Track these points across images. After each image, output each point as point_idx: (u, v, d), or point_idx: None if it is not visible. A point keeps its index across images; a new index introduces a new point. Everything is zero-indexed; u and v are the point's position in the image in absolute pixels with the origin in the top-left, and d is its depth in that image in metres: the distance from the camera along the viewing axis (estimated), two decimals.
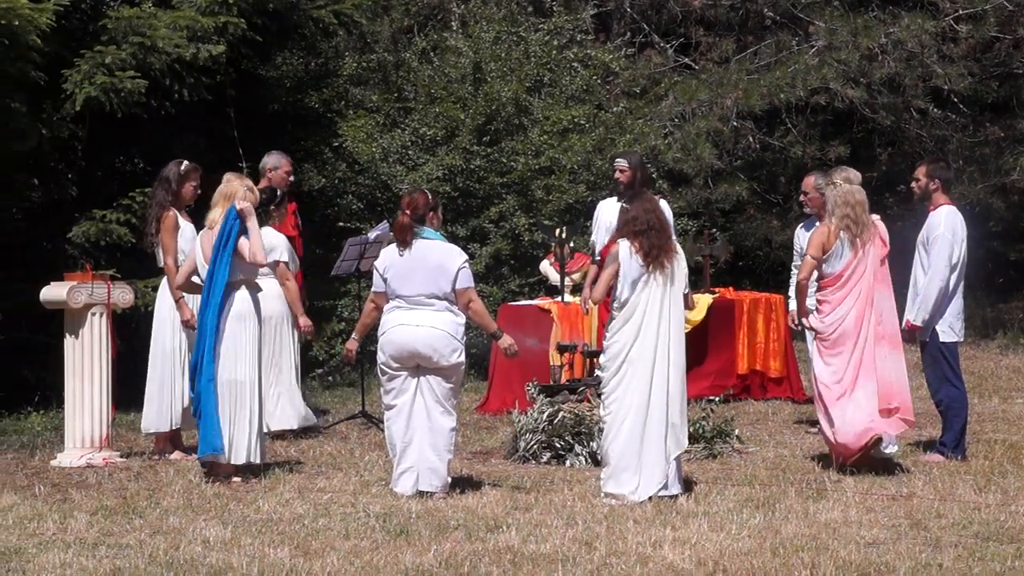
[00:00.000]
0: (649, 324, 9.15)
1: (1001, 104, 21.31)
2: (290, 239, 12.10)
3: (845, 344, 10.15)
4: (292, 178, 12.48)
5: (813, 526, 8.18)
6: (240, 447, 9.81)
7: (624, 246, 9.24)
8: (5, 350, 13.07)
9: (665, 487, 9.10)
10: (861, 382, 10.10)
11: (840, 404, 10.06)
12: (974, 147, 21.01)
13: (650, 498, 8.97)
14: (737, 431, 11.17)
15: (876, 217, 10.36)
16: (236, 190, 10.09)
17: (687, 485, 9.31)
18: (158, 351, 11.03)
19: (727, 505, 8.80)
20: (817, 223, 11.22)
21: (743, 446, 11.03)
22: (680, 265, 9.29)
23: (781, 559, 7.35)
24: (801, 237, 12.01)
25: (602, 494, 9.15)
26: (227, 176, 10.34)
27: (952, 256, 10.50)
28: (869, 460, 9.99)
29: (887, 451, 10.14)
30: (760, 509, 8.66)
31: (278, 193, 11.72)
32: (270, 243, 11.21)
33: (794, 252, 12.34)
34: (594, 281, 12.55)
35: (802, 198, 12.09)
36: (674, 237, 9.52)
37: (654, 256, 9.16)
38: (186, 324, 10.73)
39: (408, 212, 9.34)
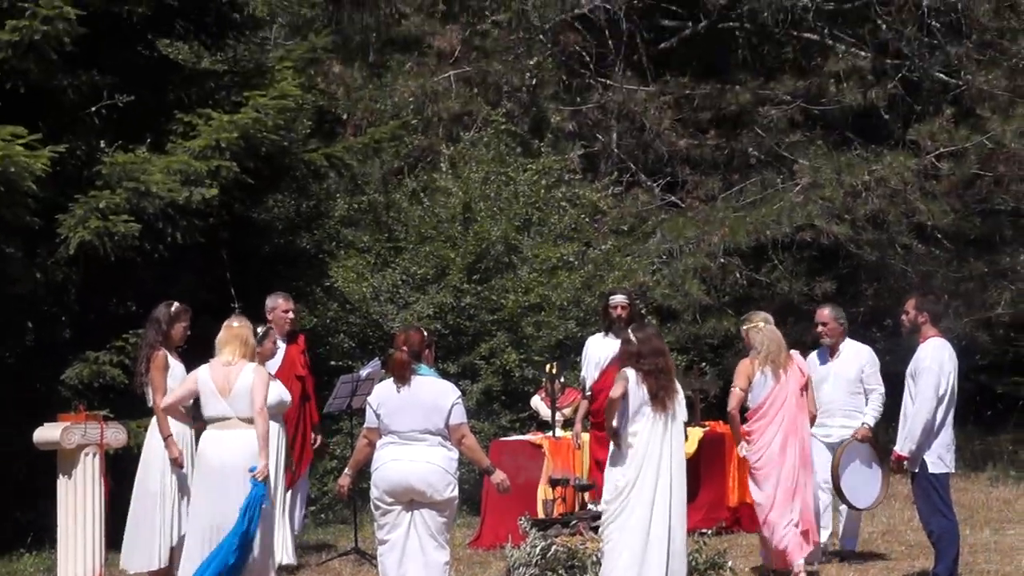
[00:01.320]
0: (651, 457, 9.25)
1: (983, 239, 21.56)
2: (299, 378, 12.20)
3: (772, 468, 11.06)
4: (291, 316, 12.57)
5: None
6: None
7: (632, 374, 9.37)
8: None
9: None
10: (791, 505, 11.04)
11: (770, 524, 11.03)
12: (959, 282, 21.20)
13: None
14: (730, 563, 11.18)
15: (795, 352, 11.40)
16: (247, 333, 10.20)
17: None
18: (144, 491, 10.97)
19: None
20: (829, 356, 12.24)
21: None
22: (680, 402, 9.42)
23: None
24: (813, 367, 12.19)
25: None
26: (230, 321, 10.39)
27: (939, 387, 10.58)
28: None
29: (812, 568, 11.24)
30: None
31: (258, 331, 11.84)
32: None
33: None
34: (586, 416, 12.69)
35: (820, 329, 12.42)
36: (674, 375, 9.62)
37: (659, 398, 9.29)
38: (174, 462, 10.78)
39: (405, 349, 9.43)
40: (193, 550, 10.03)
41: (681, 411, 9.43)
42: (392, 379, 9.49)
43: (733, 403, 11.23)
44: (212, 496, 9.91)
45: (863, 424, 12.11)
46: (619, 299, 12.74)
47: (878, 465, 12.01)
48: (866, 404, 12.23)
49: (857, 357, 12.39)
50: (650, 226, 20.47)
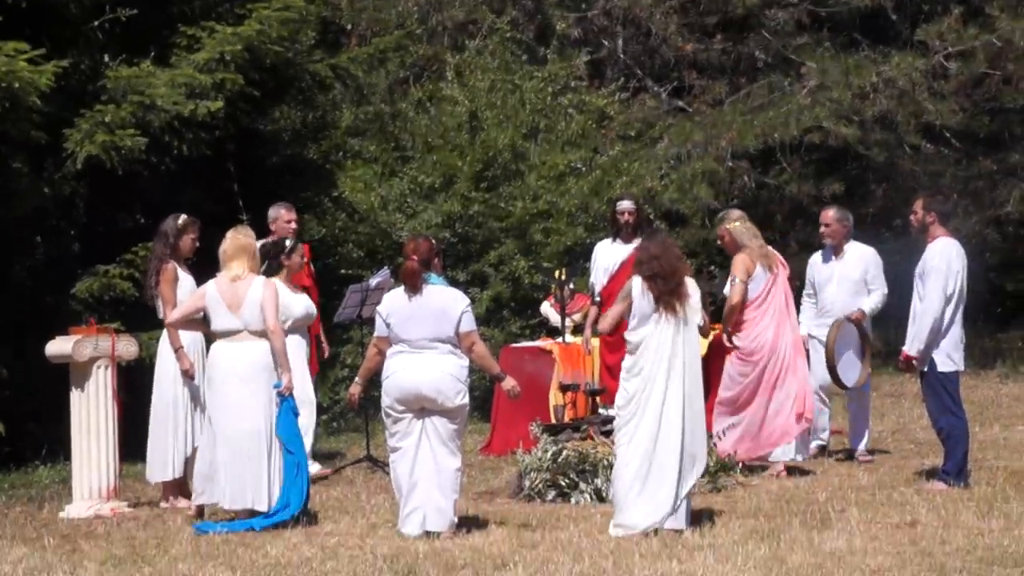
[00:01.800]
0: (660, 362, 9.27)
1: (993, 138, 21.49)
2: (305, 288, 12.22)
3: (763, 355, 11.48)
4: (295, 226, 12.56)
5: (818, 555, 8.24)
6: None
7: (637, 283, 9.38)
8: (12, 405, 13.15)
9: (675, 518, 9.15)
10: (774, 395, 11.47)
11: (750, 412, 11.47)
12: (968, 181, 21.17)
13: (656, 531, 9.03)
14: (740, 466, 11.25)
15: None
16: (251, 243, 10.24)
17: (693, 519, 9.36)
18: (160, 402, 11.12)
19: (732, 537, 8.86)
20: (833, 255, 12.43)
21: (746, 479, 11.10)
22: (692, 305, 9.41)
23: None
24: (816, 268, 12.58)
25: (611, 526, 9.22)
26: (232, 232, 10.39)
27: (947, 287, 10.59)
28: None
29: (799, 458, 11.65)
30: (765, 540, 8.71)
31: (285, 243, 11.83)
32: (285, 304, 11.37)
33: (807, 282, 12.72)
34: (595, 321, 12.71)
35: (823, 230, 12.61)
36: (687, 277, 9.59)
37: (665, 302, 9.31)
38: (185, 374, 10.86)
39: (415, 258, 9.44)
40: (204, 461, 10.13)
41: (694, 314, 9.44)
42: (403, 288, 9.51)
43: (738, 296, 11.47)
44: (224, 406, 9.98)
45: (859, 309, 12.20)
46: (626, 205, 12.74)
47: (861, 350, 12.14)
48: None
49: (861, 259, 12.44)
50: (657, 131, 20.41)
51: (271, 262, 11.42)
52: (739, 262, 11.55)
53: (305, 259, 12.51)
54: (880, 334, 20.80)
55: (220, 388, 10.02)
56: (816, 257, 12.67)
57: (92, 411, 10.87)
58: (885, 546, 8.50)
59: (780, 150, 20.54)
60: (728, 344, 11.71)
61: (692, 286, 9.50)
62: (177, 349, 10.89)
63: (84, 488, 10.84)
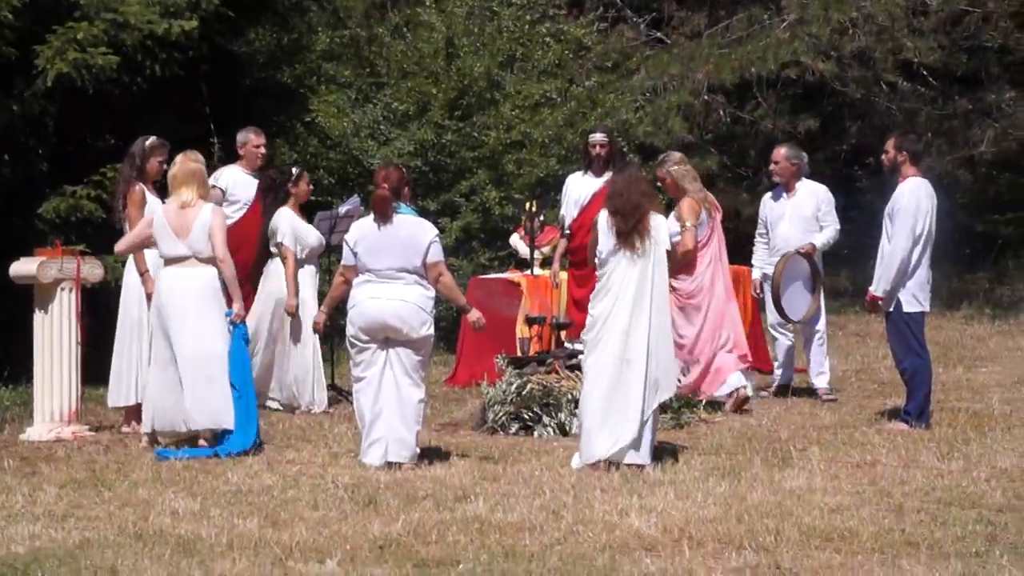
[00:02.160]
0: (624, 295, 9.25)
1: (970, 77, 21.46)
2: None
3: (703, 299, 11.60)
4: (263, 151, 12.45)
5: (778, 493, 8.27)
6: None
7: (603, 217, 9.37)
8: None
9: (637, 451, 9.15)
10: (720, 332, 11.63)
11: (699, 353, 11.57)
12: (943, 120, 21.16)
13: (617, 465, 9.04)
14: (703, 401, 11.28)
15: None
16: (199, 169, 10.19)
17: (655, 455, 9.38)
18: (124, 326, 11.05)
19: (693, 474, 8.89)
20: (784, 193, 12.34)
21: (709, 416, 11.13)
22: (656, 239, 9.35)
23: (746, 525, 7.43)
24: (768, 206, 12.57)
25: (574, 458, 9.22)
26: (182, 157, 10.33)
27: (916, 227, 10.59)
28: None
29: (749, 392, 11.72)
30: (726, 477, 8.74)
31: (292, 171, 11.79)
32: (300, 233, 12.02)
33: (759, 221, 12.65)
34: (564, 254, 12.69)
35: (772, 167, 12.69)
36: (652, 212, 9.53)
37: (624, 238, 9.28)
38: (150, 298, 10.82)
39: (385, 186, 9.38)
40: (153, 386, 10.13)
41: (658, 247, 9.37)
42: (371, 217, 9.47)
43: (692, 242, 11.47)
44: (181, 329, 9.95)
45: (810, 243, 12.24)
46: (598, 137, 12.66)
47: (811, 285, 12.23)
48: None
49: (813, 195, 12.48)
50: (634, 63, 20.32)
51: (278, 191, 11.38)
52: (687, 206, 11.54)
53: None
54: (848, 273, 20.97)
55: (174, 312, 9.99)
56: (768, 196, 12.71)
57: (55, 333, 10.81)
58: (845, 485, 8.54)
59: (757, 85, 20.48)
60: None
61: (657, 220, 9.45)
62: (143, 272, 10.82)
63: (45, 411, 10.79)
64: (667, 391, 9.42)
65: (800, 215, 12.41)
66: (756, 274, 12.64)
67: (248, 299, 11.57)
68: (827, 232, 12.37)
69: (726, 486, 8.48)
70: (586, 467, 9.13)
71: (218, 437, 9.94)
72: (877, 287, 10.63)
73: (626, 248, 9.27)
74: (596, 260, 9.45)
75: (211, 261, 9.99)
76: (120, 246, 10.54)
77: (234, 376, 9.96)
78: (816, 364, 12.45)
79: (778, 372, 12.71)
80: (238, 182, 12.25)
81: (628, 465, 9.09)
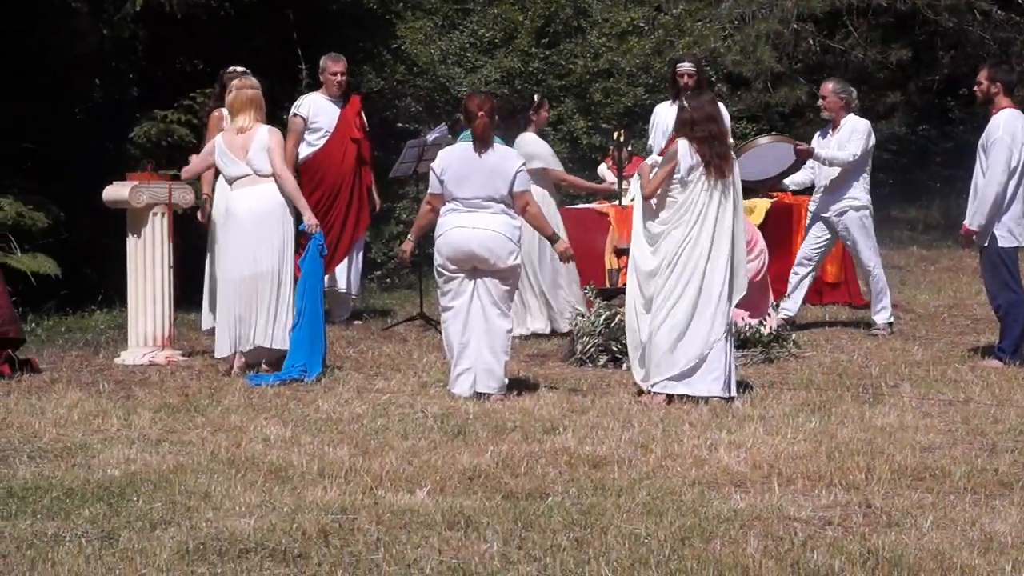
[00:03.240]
0: (706, 223, 9.13)
1: None
2: (355, 140, 12.19)
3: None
4: (340, 79, 12.41)
5: (869, 430, 8.20)
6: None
7: (683, 145, 9.19)
8: (69, 250, 13.22)
9: (718, 382, 9.12)
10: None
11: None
12: None
13: (706, 400, 9.00)
14: (794, 336, 11.20)
15: None
16: (257, 94, 10.26)
17: (743, 387, 9.33)
18: (211, 249, 11.16)
19: (783, 409, 8.82)
20: (831, 131, 12.20)
21: (800, 351, 11.04)
22: (736, 170, 9.26)
23: (836, 463, 7.37)
24: (817, 145, 12.30)
25: (649, 384, 9.20)
26: (237, 82, 10.39)
27: (1011, 159, 10.41)
28: None
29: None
30: (816, 413, 8.67)
31: (534, 98, 12.05)
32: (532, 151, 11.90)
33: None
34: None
35: (820, 102, 12.47)
36: (728, 141, 9.45)
37: (714, 164, 9.13)
38: (200, 225, 10.91)
39: (482, 113, 9.32)
40: (225, 300, 10.25)
41: (738, 184, 9.26)
42: (461, 146, 9.43)
43: None
44: (241, 246, 10.13)
45: (811, 147, 12.19)
46: (686, 67, 12.50)
47: (782, 162, 12.30)
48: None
49: (853, 130, 12.19)
50: None
51: (519, 116, 11.41)
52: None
53: (356, 110, 12.44)
54: (940, 207, 20.71)
55: (236, 232, 10.18)
56: (817, 135, 12.48)
57: (148, 258, 10.88)
58: (937, 423, 8.45)
59: (847, 13, 20.18)
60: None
61: (733, 155, 9.36)
62: (205, 196, 10.95)
63: (139, 335, 10.89)
64: (719, 331, 9.26)
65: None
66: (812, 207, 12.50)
67: (363, 223, 11.77)
68: (838, 153, 12.02)
69: (816, 422, 8.41)
70: (656, 398, 9.08)
71: (281, 362, 10.08)
72: (972, 221, 10.48)
73: (711, 175, 9.12)
74: (670, 190, 9.27)
75: (270, 177, 10.14)
76: (185, 171, 10.67)
77: (302, 298, 10.06)
78: (875, 299, 12.32)
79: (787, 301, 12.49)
80: (320, 109, 12.25)
81: (713, 397, 9.02)
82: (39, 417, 8.57)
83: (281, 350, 10.11)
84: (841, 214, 12.12)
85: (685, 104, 9.42)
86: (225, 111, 10.91)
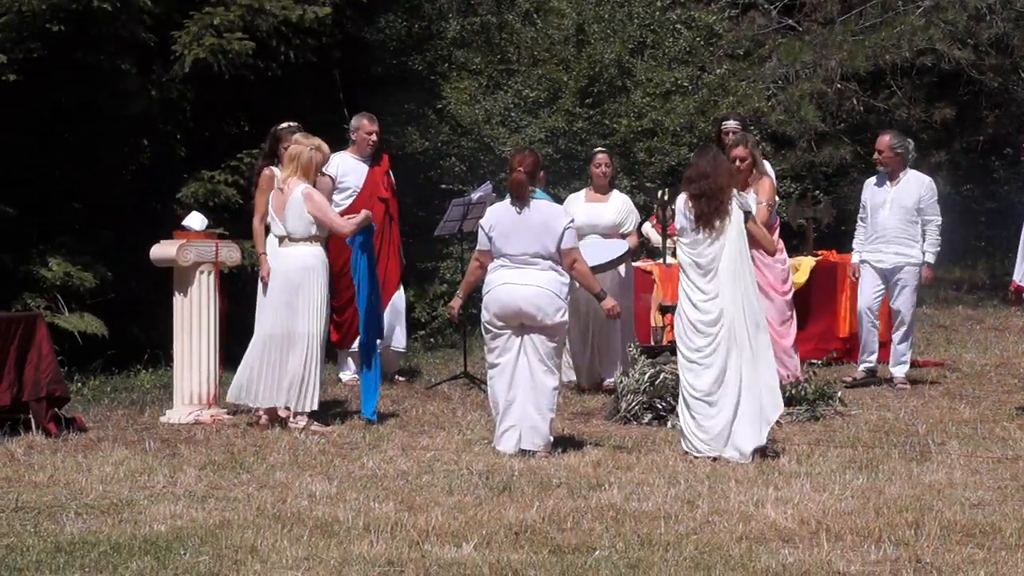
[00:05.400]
0: (711, 274, 9.19)
1: None
2: (383, 200, 12.24)
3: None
4: (375, 138, 12.47)
5: (917, 487, 8.14)
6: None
7: (681, 199, 9.32)
8: (116, 309, 13.30)
9: (755, 435, 9.12)
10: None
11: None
12: None
13: (753, 456, 8.97)
14: (839, 393, 11.15)
15: None
16: (302, 152, 10.29)
17: (788, 447, 9.28)
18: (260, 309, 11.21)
19: (830, 466, 8.77)
20: (888, 181, 12.34)
21: (845, 408, 10.99)
22: (731, 216, 9.25)
23: (885, 519, 7.32)
24: (870, 191, 12.51)
25: (692, 444, 9.20)
26: (295, 138, 10.52)
27: None
28: None
29: None
30: (863, 470, 8.62)
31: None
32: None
33: (860, 206, 12.72)
34: None
35: (877, 156, 12.52)
36: (733, 191, 9.43)
37: (703, 220, 9.20)
38: (263, 280, 11.01)
39: (521, 169, 9.38)
40: (252, 356, 10.40)
41: (732, 224, 9.26)
42: (507, 201, 9.47)
43: (767, 217, 11.15)
44: (273, 305, 10.37)
45: (924, 263, 12.25)
46: (731, 124, 12.56)
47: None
48: (922, 238, 12.26)
49: (918, 186, 12.30)
50: (766, 50, 20.12)
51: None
52: (768, 186, 11.43)
53: (385, 169, 12.49)
54: (985, 266, 20.60)
55: (271, 290, 10.50)
56: (872, 180, 12.59)
57: (194, 316, 10.95)
58: (986, 480, 8.37)
59: (891, 72, 20.19)
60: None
61: (734, 201, 9.35)
62: (260, 255, 11.04)
63: (185, 393, 10.95)
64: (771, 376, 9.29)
65: (901, 205, 12.25)
66: (855, 258, 12.55)
67: (392, 282, 12.07)
68: (931, 235, 12.26)
69: (863, 479, 8.36)
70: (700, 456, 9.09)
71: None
72: (1021, 277, 10.43)
73: (705, 228, 9.18)
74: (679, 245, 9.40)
75: (306, 240, 10.32)
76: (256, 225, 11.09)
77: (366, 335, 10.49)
78: (899, 354, 12.34)
79: (866, 358, 12.55)
80: (349, 168, 12.31)
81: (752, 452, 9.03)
82: (85, 474, 8.61)
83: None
84: (899, 268, 12.13)
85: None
86: (276, 170, 11.00)
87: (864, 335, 12.50)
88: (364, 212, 10.66)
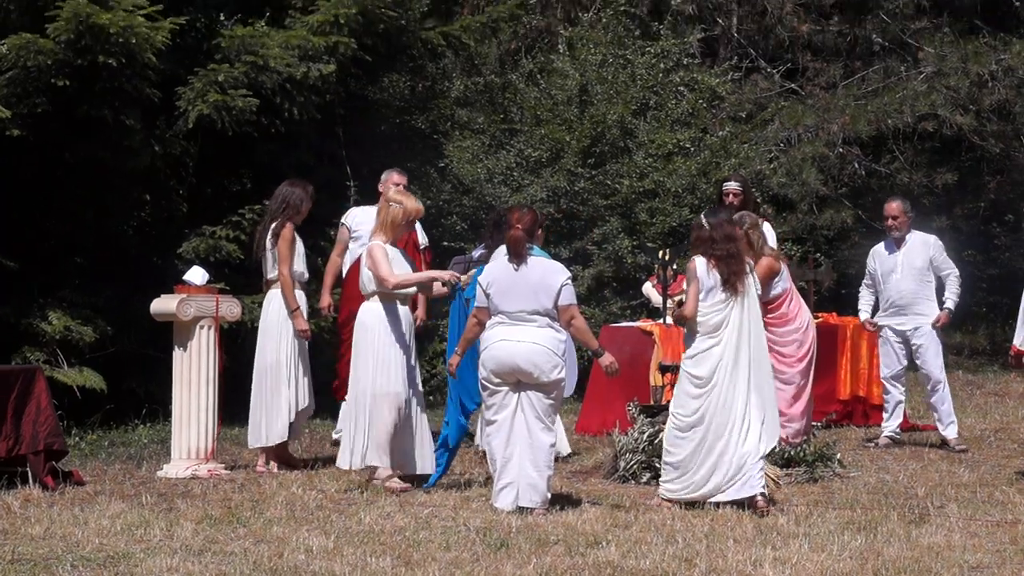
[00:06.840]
0: (730, 340, 9.27)
1: None
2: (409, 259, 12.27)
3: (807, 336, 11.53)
4: (401, 189, 12.50)
5: (916, 549, 8.10)
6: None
7: (700, 263, 9.35)
8: (115, 363, 13.30)
9: (749, 486, 9.19)
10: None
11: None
12: None
13: (732, 503, 9.04)
14: (839, 455, 11.12)
15: None
16: (381, 208, 10.39)
17: (788, 508, 9.25)
18: (260, 367, 11.20)
19: (828, 527, 8.74)
20: (896, 246, 12.49)
21: (844, 471, 10.96)
22: (752, 282, 9.40)
23: None
24: (878, 259, 12.63)
25: (671, 492, 9.35)
26: (387, 195, 10.64)
27: None
28: None
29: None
30: (862, 532, 8.59)
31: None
32: None
33: (866, 272, 12.83)
34: None
35: (890, 222, 12.59)
36: (744, 258, 9.53)
37: (731, 283, 9.29)
38: (303, 334, 10.95)
39: (519, 226, 9.41)
40: (353, 416, 10.25)
41: (752, 288, 9.40)
42: (505, 258, 9.48)
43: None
44: (369, 364, 10.17)
45: (945, 309, 12.33)
46: (733, 186, 12.63)
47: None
48: (945, 290, 12.41)
49: (924, 245, 12.46)
50: (768, 113, 20.21)
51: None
52: (769, 265, 11.22)
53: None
54: (986, 332, 20.59)
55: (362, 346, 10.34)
56: (879, 247, 12.68)
57: (194, 371, 10.94)
58: (985, 543, 8.33)
59: (893, 137, 20.27)
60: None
61: (749, 265, 9.52)
62: (294, 310, 11.00)
63: (183, 448, 10.92)
64: (772, 440, 9.37)
65: (912, 266, 12.38)
66: (863, 316, 12.71)
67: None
68: (951, 285, 12.41)
69: (862, 540, 8.32)
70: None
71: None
72: (1021, 342, 10.42)
73: (730, 290, 9.28)
74: (699, 309, 9.42)
75: (370, 296, 10.25)
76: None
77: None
78: (944, 415, 12.38)
79: (887, 425, 12.58)
80: (365, 218, 12.32)
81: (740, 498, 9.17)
82: (82, 527, 8.57)
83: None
84: (917, 329, 12.22)
85: (703, 222, 9.56)
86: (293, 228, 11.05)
87: (892, 401, 12.57)
88: (427, 273, 10.57)
